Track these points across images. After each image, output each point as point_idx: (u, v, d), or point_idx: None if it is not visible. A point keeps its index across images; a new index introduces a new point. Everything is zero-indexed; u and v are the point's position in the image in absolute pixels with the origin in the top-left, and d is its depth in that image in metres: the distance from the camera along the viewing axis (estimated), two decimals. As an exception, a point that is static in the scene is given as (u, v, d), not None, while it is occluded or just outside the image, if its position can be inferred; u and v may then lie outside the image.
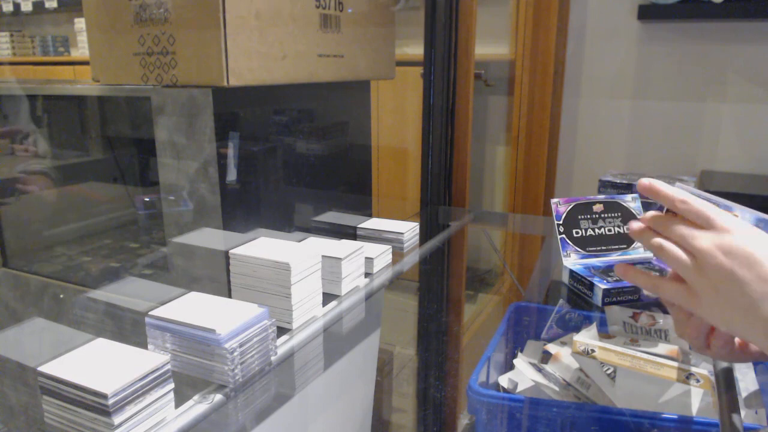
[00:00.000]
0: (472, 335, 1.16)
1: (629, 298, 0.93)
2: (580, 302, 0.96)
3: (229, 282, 0.82)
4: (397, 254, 1.08)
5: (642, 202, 1.03)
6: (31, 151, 1.19)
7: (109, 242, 1.20)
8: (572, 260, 0.99)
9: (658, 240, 0.54)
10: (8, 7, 3.06)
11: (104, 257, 1.13)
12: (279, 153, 1.01)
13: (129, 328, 0.89)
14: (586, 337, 0.74)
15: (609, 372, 0.72)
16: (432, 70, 1.37)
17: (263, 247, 0.83)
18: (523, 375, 0.78)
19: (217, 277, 0.88)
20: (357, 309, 0.91)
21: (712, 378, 0.66)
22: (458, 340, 1.24)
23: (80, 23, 2.75)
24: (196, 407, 0.63)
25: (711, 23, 1.56)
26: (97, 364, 0.60)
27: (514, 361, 0.81)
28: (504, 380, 0.79)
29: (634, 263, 0.99)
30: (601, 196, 1.03)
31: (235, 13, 0.81)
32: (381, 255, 1.01)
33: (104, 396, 0.55)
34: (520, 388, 0.77)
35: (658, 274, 0.98)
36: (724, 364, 0.63)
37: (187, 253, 0.91)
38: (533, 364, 0.80)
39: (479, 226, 1.51)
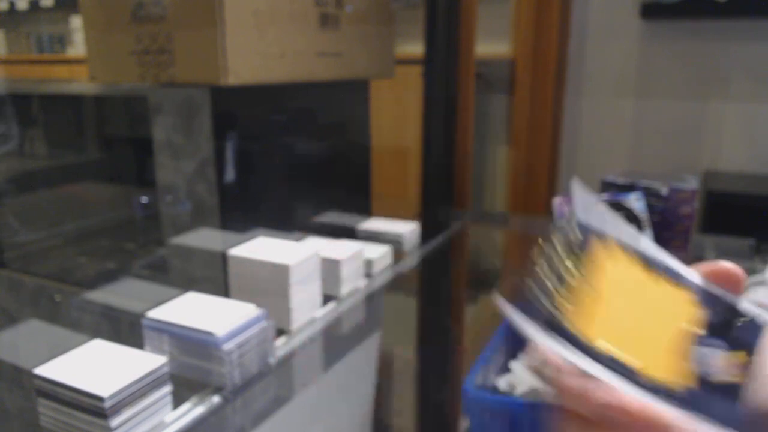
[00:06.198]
0: (473, 336, 1.15)
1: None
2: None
3: (226, 283, 0.81)
4: (398, 255, 1.07)
5: (647, 204, 1.02)
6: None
7: (106, 243, 1.19)
8: (574, 261, 0.98)
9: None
10: (3, 5, 3.04)
11: (101, 258, 1.12)
12: (277, 152, 1.00)
13: (126, 329, 0.88)
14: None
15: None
16: (432, 68, 1.36)
17: (262, 247, 0.82)
18: (521, 378, 0.77)
19: (215, 277, 0.87)
20: (356, 310, 0.90)
21: None
22: (459, 341, 1.23)
23: (76, 21, 2.74)
24: (194, 410, 0.62)
25: (715, 21, 1.55)
26: (93, 366, 0.59)
27: (512, 364, 0.80)
28: (502, 382, 0.78)
29: None
30: (604, 196, 1.02)
31: (233, 11, 0.80)
32: (381, 256, 1.00)
33: (101, 399, 0.54)
34: (518, 391, 0.76)
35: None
36: None
37: (185, 254, 0.90)
38: (533, 367, 0.79)
39: (480, 227, 1.50)
